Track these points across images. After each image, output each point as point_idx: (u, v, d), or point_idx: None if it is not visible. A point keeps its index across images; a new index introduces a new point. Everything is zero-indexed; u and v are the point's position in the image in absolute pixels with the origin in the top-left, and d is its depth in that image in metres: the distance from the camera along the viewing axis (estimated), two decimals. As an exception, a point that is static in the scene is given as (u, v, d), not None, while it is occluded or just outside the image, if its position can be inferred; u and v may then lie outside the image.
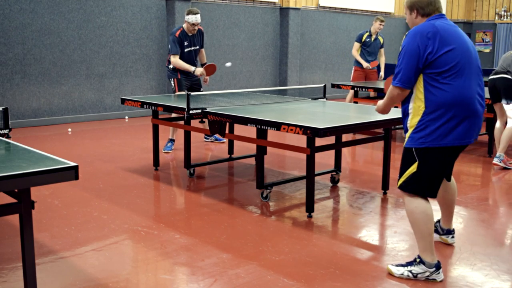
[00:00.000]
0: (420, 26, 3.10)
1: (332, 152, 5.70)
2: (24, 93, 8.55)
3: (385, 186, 5.06)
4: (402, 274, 3.25)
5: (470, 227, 4.31)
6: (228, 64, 7.20)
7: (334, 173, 5.45)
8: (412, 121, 3.14)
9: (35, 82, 8.63)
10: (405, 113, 3.20)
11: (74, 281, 3.19)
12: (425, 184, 3.18)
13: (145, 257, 3.59)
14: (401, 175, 3.26)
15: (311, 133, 3.97)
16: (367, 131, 5.02)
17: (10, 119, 3.75)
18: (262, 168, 4.83)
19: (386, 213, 4.62)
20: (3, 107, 3.73)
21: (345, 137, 5.90)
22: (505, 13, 16.89)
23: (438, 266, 3.21)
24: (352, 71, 9.39)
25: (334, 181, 5.44)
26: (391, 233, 4.12)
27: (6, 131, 3.66)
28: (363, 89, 8.32)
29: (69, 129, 8.46)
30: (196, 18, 6.47)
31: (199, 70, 6.52)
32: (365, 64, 9.15)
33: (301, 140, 5.07)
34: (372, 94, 8.86)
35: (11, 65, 8.35)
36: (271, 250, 3.69)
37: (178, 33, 6.55)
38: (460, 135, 3.07)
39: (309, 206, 4.39)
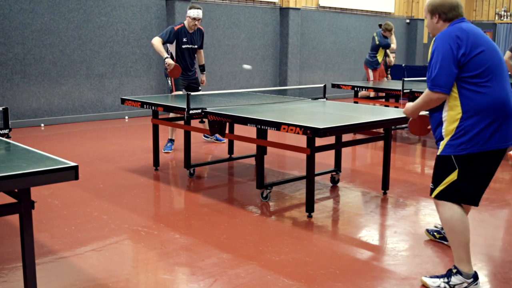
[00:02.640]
0: (448, 29, 3.03)
1: (332, 152, 5.70)
2: (24, 93, 8.54)
3: (385, 186, 5.06)
4: (438, 287, 3.12)
5: (470, 227, 4.30)
6: (247, 66, 7.10)
7: (334, 173, 5.45)
8: (448, 129, 3.03)
9: (35, 82, 8.63)
10: (438, 122, 3.09)
11: (74, 281, 3.19)
12: (467, 192, 3.06)
13: (145, 257, 3.59)
14: (436, 183, 3.12)
15: (311, 133, 3.97)
16: (367, 131, 5.02)
17: (10, 119, 3.75)
18: (262, 168, 4.83)
19: (386, 213, 4.62)
20: (3, 107, 3.73)
21: (345, 137, 5.89)
22: (505, 13, 16.89)
23: (475, 277, 3.10)
24: (371, 73, 9.61)
25: (334, 181, 5.44)
26: (391, 233, 4.12)
27: (6, 131, 3.66)
28: (364, 89, 8.34)
29: (42, 125, 8.64)
30: (197, 13, 6.47)
31: (169, 61, 6.33)
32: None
33: (301, 140, 5.07)
34: (373, 94, 8.87)
35: (11, 65, 8.35)
36: (271, 250, 3.69)
37: (177, 27, 6.54)
38: (502, 138, 2.98)
39: (309, 206, 4.39)
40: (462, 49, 2.93)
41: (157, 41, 6.47)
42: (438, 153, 3.11)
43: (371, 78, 9.76)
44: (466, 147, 2.97)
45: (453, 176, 3.04)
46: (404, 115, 3.54)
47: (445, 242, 3.80)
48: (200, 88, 6.99)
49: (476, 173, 3.03)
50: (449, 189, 3.07)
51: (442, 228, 3.84)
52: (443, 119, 3.06)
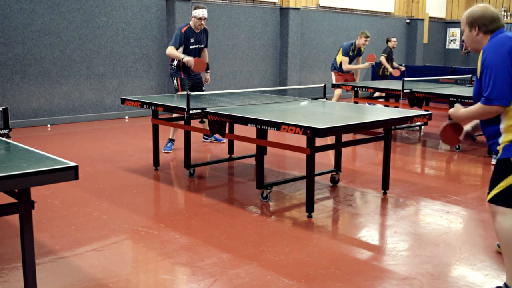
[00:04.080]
0: (496, 40, 2.96)
1: (332, 152, 5.70)
2: (24, 93, 8.54)
3: (385, 186, 5.06)
4: None
5: (470, 227, 4.31)
6: None
7: (334, 173, 5.45)
8: (506, 139, 2.94)
9: (35, 82, 8.63)
10: (495, 134, 3.00)
11: (74, 281, 3.19)
12: None
13: (145, 257, 3.59)
14: (492, 187, 2.99)
15: (311, 133, 3.97)
16: (367, 131, 5.02)
17: (10, 119, 3.75)
18: (262, 168, 4.83)
19: (386, 213, 4.62)
20: (3, 107, 3.72)
21: (345, 137, 5.90)
22: (505, 13, 16.88)
23: None
24: (334, 75, 9.39)
25: (334, 181, 5.44)
26: (391, 233, 4.12)
27: (6, 131, 3.66)
28: (364, 89, 8.34)
29: (49, 126, 8.67)
30: (203, 13, 6.53)
31: (187, 58, 6.48)
32: (366, 64, 9.30)
33: (301, 140, 5.07)
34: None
35: (11, 65, 8.35)
36: (271, 250, 3.69)
37: (184, 29, 6.60)
38: None
39: (309, 206, 4.39)
40: None
41: (171, 49, 6.56)
42: (498, 157, 2.99)
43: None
44: None
45: (510, 180, 2.91)
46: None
47: None
48: (203, 88, 7.01)
49: None
50: (504, 193, 2.93)
51: None
52: (501, 130, 2.95)
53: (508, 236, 2.90)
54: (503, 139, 2.95)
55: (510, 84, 2.86)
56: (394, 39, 11.09)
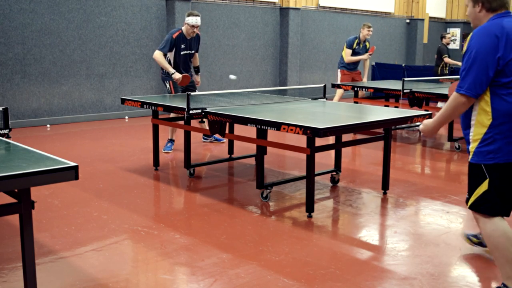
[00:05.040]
0: (487, 26, 2.83)
1: (332, 152, 5.70)
2: (24, 93, 8.54)
3: (385, 186, 5.06)
4: None
5: (470, 227, 4.30)
6: (233, 76, 7.13)
7: (334, 173, 5.45)
8: (476, 135, 2.86)
9: (35, 82, 8.63)
10: (466, 125, 2.94)
11: (74, 281, 3.19)
12: (498, 202, 2.87)
13: (145, 257, 3.59)
14: (471, 193, 2.95)
15: (311, 133, 3.97)
16: (367, 131, 5.02)
17: (10, 119, 3.75)
18: (262, 168, 4.83)
19: (386, 213, 4.62)
20: (3, 107, 3.73)
21: (345, 137, 5.89)
22: (505, 13, 16.86)
23: None
24: (340, 74, 9.37)
25: (334, 181, 5.44)
26: (391, 233, 4.12)
27: (6, 131, 3.66)
28: (363, 89, 8.34)
29: (48, 125, 8.69)
30: (196, 20, 6.48)
31: (177, 75, 6.50)
32: (366, 55, 9.24)
33: (301, 140, 5.07)
34: (360, 94, 8.83)
35: (11, 65, 8.35)
36: (271, 250, 3.69)
37: (176, 34, 6.56)
38: None
39: (309, 206, 4.39)
40: (500, 51, 2.74)
41: (159, 56, 6.52)
42: (469, 160, 2.95)
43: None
44: (495, 156, 2.81)
45: (484, 186, 2.86)
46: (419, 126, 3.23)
47: (483, 248, 3.63)
48: (196, 90, 7.01)
49: (505, 183, 2.85)
50: (480, 200, 2.89)
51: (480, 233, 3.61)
52: (472, 122, 2.89)
53: (493, 241, 2.89)
54: (473, 134, 2.88)
55: (481, 77, 2.76)
56: (448, 35, 11.06)
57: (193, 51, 6.82)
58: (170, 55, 6.63)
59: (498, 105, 2.79)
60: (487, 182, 2.85)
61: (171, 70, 6.50)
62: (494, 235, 2.87)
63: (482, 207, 2.89)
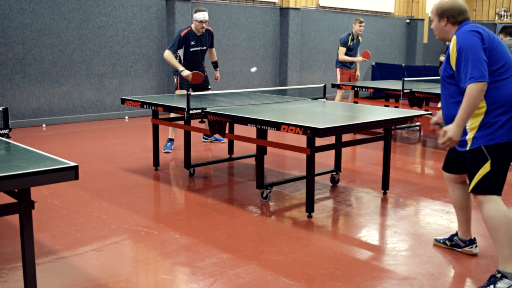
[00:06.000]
0: (467, 28, 3.10)
1: (332, 152, 5.70)
2: (24, 93, 8.54)
3: (385, 186, 5.06)
4: None
5: (470, 228, 4.30)
6: (254, 69, 7.12)
7: (334, 173, 5.45)
8: (474, 123, 3.04)
9: (35, 82, 8.63)
10: (451, 118, 3.08)
11: (74, 281, 3.19)
12: (498, 182, 3.04)
13: (145, 257, 3.59)
14: (472, 178, 3.08)
15: (311, 133, 3.97)
16: (367, 131, 5.02)
17: (10, 119, 3.75)
18: (262, 168, 4.83)
19: (386, 213, 4.62)
20: (3, 107, 3.73)
21: (345, 137, 5.89)
22: (505, 13, 16.89)
23: None
24: (338, 73, 9.36)
25: (334, 181, 5.44)
26: (391, 233, 4.12)
27: (6, 131, 3.66)
28: (364, 89, 8.34)
29: (44, 125, 8.68)
30: (203, 15, 6.54)
31: (186, 72, 6.52)
32: (360, 58, 9.22)
33: (301, 140, 5.07)
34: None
35: (11, 65, 8.35)
36: (271, 250, 3.69)
37: (184, 32, 6.61)
38: None
39: (309, 206, 4.39)
40: (485, 43, 3.00)
41: (169, 55, 6.58)
42: (468, 148, 3.08)
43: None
44: (494, 137, 2.99)
45: (486, 167, 3.01)
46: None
47: (459, 249, 3.66)
48: (209, 86, 7.03)
49: (505, 162, 3.03)
50: (483, 181, 3.03)
51: (454, 235, 3.69)
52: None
53: (495, 221, 2.99)
54: (470, 124, 3.05)
55: (484, 63, 2.96)
56: None
57: (205, 47, 6.86)
58: (180, 51, 6.68)
59: (491, 92, 2.99)
60: (489, 163, 3.01)
61: (180, 67, 6.54)
62: (497, 216, 2.98)
63: (486, 188, 3.03)
